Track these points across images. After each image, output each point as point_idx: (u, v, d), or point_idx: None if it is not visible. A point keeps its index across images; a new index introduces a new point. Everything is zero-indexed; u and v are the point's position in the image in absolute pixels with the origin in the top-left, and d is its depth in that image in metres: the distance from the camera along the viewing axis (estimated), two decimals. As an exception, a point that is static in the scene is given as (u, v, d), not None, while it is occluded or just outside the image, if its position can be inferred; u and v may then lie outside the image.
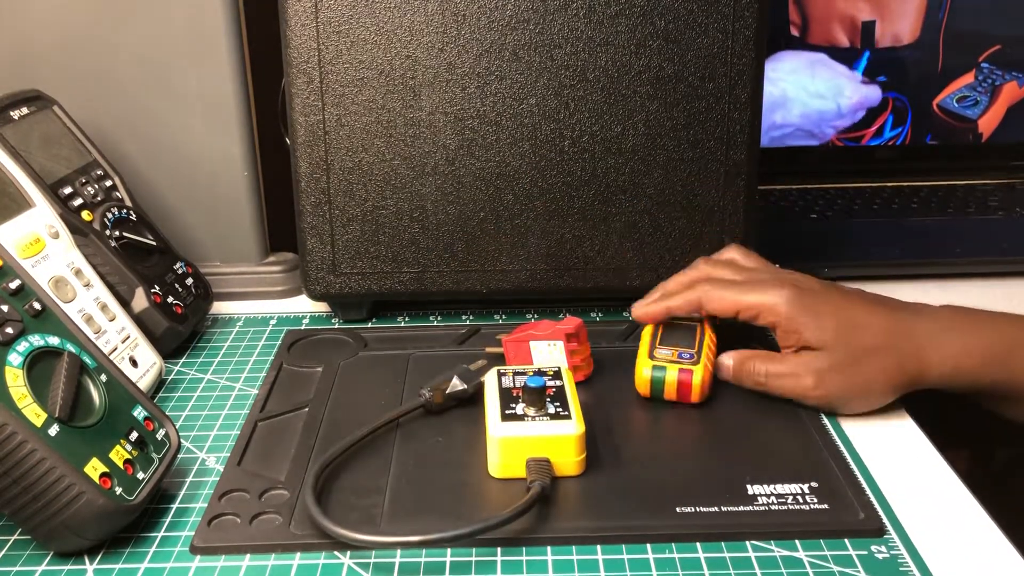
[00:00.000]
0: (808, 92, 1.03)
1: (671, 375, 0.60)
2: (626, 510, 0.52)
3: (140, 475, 0.50)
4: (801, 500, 0.52)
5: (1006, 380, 0.58)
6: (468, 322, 0.76)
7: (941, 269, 0.84)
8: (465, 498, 0.53)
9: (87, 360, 0.52)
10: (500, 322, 0.76)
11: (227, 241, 0.81)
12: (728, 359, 0.62)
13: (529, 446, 0.53)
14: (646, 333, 0.65)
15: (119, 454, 0.50)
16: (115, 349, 0.63)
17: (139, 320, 0.68)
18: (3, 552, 0.50)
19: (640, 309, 0.65)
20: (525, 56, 0.69)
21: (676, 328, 0.64)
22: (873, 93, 1.02)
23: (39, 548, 0.50)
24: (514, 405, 0.56)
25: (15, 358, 0.48)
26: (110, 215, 0.70)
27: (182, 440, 0.58)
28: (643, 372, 0.61)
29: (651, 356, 0.62)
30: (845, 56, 1.02)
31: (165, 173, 0.78)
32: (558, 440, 0.54)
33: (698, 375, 0.60)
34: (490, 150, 0.71)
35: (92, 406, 0.51)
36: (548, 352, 0.64)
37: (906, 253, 0.86)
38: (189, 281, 0.74)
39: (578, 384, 0.63)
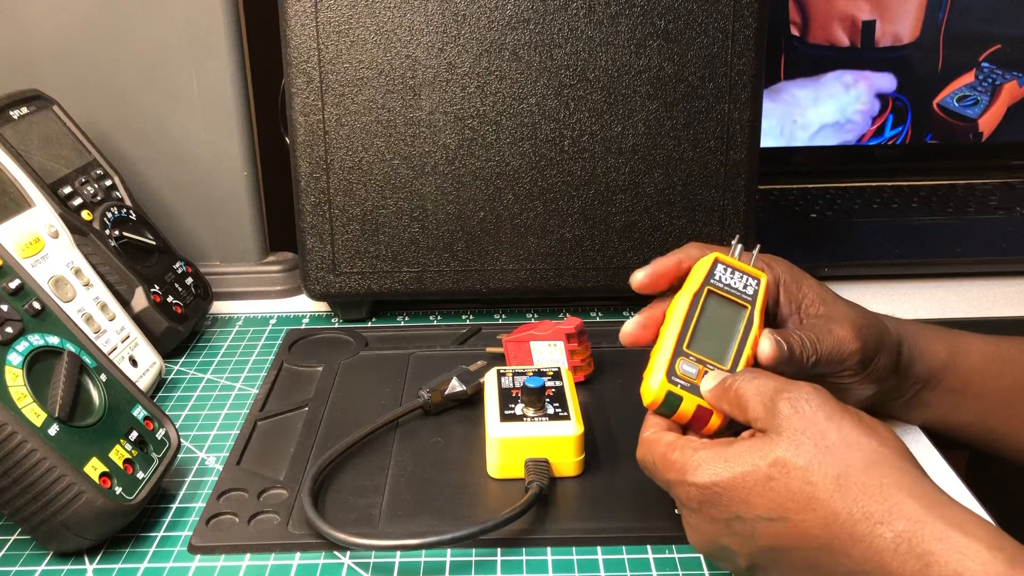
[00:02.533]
0: (828, 92, 1.03)
1: (687, 406, 0.47)
2: (624, 511, 0.52)
3: (140, 475, 0.51)
4: (800, 500, 0.52)
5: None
6: (468, 322, 0.76)
7: (941, 269, 0.84)
8: (463, 498, 0.53)
9: (87, 360, 0.52)
10: (500, 322, 0.76)
11: (227, 241, 0.81)
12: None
13: (528, 446, 0.53)
14: (678, 308, 0.50)
15: (119, 454, 0.50)
16: (115, 349, 0.63)
17: (139, 320, 0.68)
18: (3, 552, 0.50)
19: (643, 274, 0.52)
20: (525, 56, 0.69)
21: (719, 313, 0.50)
22: (883, 80, 1.02)
23: (39, 548, 0.50)
24: (513, 405, 0.56)
25: (15, 358, 0.48)
26: (110, 214, 0.70)
27: (182, 440, 0.58)
28: (651, 387, 0.48)
29: (671, 372, 0.47)
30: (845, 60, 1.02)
31: (165, 173, 0.78)
32: (557, 441, 0.54)
33: (717, 418, 0.47)
34: (490, 150, 0.71)
35: (92, 406, 0.51)
36: (548, 352, 0.64)
37: (906, 253, 0.86)
38: (189, 281, 0.74)
39: (578, 384, 0.63)
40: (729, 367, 0.48)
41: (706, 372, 0.47)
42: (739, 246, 0.52)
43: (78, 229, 0.67)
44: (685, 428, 0.48)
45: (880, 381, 0.54)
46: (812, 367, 0.50)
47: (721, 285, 0.50)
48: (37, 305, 0.52)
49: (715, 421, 0.47)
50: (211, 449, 0.59)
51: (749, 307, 0.50)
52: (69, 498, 0.47)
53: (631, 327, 0.52)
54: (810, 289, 0.54)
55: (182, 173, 0.78)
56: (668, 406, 0.47)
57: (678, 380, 0.47)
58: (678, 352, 0.48)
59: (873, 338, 0.53)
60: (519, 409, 0.55)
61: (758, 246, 0.53)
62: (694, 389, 0.47)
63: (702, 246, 0.54)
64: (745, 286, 0.51)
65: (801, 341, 0.50)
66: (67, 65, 0.75)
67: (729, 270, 0.51)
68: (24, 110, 0.69)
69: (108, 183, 0.72)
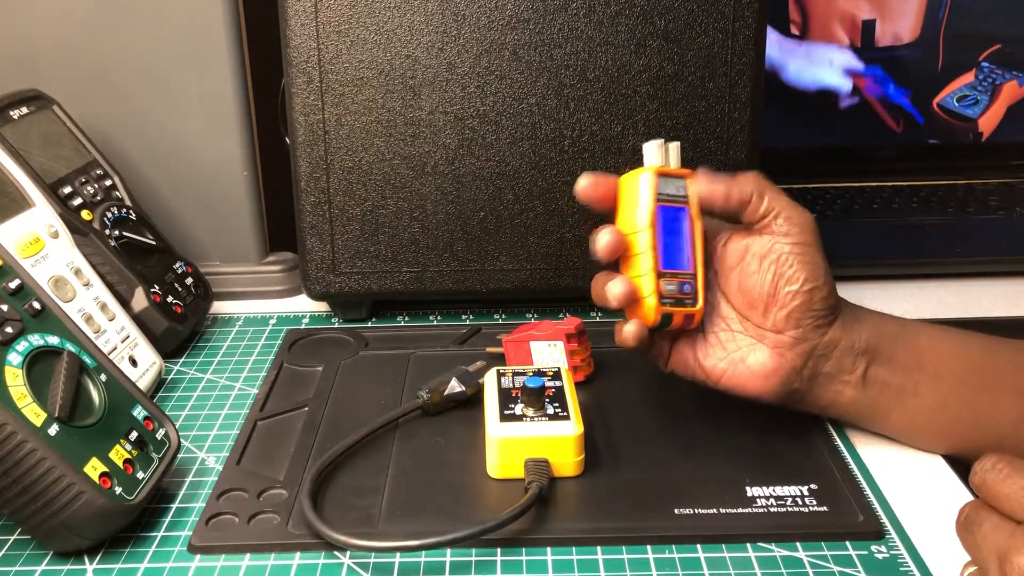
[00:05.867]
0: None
1: (676, 319, 0.55)
2: (624, 511, 0.52)
3: (140, 475, 0.51)
4: (800, 502, 0.52)
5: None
6: (468, 322, 0.76)
7: (941, 269, 0.84)
8: (463, 498, 0.53)
9: (87, 360, 0.52)
10: (500, 322, 0.76)
11: (227, 241, 0.81)
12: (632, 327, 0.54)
13: (527, 447, 0.53)
14: (642, 231, 0.54)
15: (119, 454, 0.50)
16: (115, 349, 0.63)
17: (139, 320, 0.68)
18: (3, 552, 0.50)
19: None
20: (525, 55, 0.69)
21: (671, 224, 0.55)
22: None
23: (39, 548, 0.50)
24: (513, 405, 0.56)
25: (15, 357, 0.48)
26: (110, 215, 0.70)
27: (182, 440, 0.58)
28: (649, 315, 0.54)
29: (661, 296, 0.54)
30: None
31: (165, 173, 0.78)
32: (557, 441, 0.54)
33: (699, 315, 0.55)
34: (490, 150, 0.71)
35: (92, 406, 0.51)
36: (548, 352, 0.64)
37: (906, 253, 0.86)
38: (189, 281, 0.74)
39: (578, 384, 0.63)
40: (691, 270, 0.55)
41: (680, 283, 0.55)
42: (666, 149, 0.56)
43: (78, 229, 0.67)
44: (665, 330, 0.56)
45: (827, 313, 0.54)
46: (760, 201, 0.54)
47: (667, 197, 0.55)
48: (37, 305, 0.52)
49: (698, 319, 0.55)
50: (211, 449, 0.59)
51: (687, 207, 0.55)
52: (69, 498, 0.47)
53: (588, 183, 0.56)
54: (779, 197, 0.55)
55: (182, 173, 0.78)
56: (663, 323, 0.55)
57: (666, 300, 0.54)
58: (659, 275, 0.54)
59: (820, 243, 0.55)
60: (519, 409, 0.55)
61: (677, 142, 0.56)
62: (679, 302, 0.55)
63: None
64: (678, 188, 0.56)
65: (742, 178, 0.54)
66: (67, 65, 0.75)
67: (666, 179, 0.55)
68: (24, 110, 0.69)
69: (108, 183, 0.72)
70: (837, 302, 0.55)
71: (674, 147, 0.56)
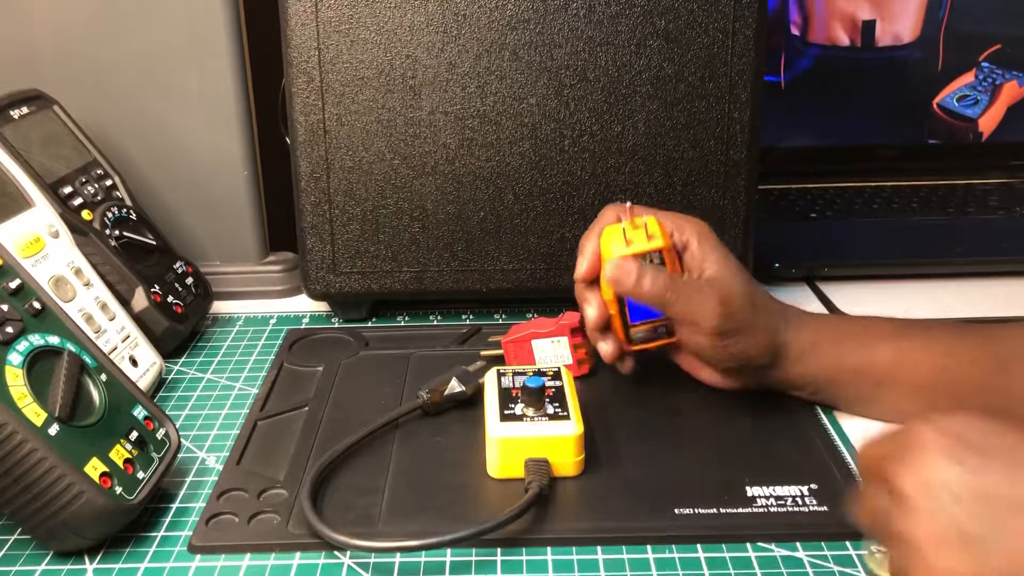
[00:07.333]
0: None
1: (652, 348, 0.62)
2: (625, 511, 0.52)
3: (140, 475, 0.51)
4: (800, 502, 0.52)
5: (863, 365, 0.59)
6: (468, 322, 0.76)
7: (941, 269, 0.84)
8: (463, 498, 0.53)
9: (87, 359, 0.52)
10: (500, 322, 0.76)
11: (227, 241, 0.81)
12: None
13: (528, 446, 0.53)
14: (610, 303, 0.60)
15: (119, 453, 0.50)
16: (115, 348, 0.63)
17: (139, 319, 0.68)
18: (3, 552, 0.50)
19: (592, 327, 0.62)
20: (525, 56, 0.69)
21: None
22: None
23: (39, 547, 0.50)
24: (513, 405, 0.56)
25: (15, 357, 0.48)
26: (110, 214, 0.70)
27: (182, 439, 0.58)
28: (622, 362, 0.62)
29: (632, 340, 0.61)
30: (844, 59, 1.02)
31: (165, 173, 0.78)
32: (557, 440, 0.54)
33: (676, 342, 0.62)
34: (490, 150, 0.71)
35: (92, 405, 0.51)
36: (552, 349, 0.64)
37: (906, 253, 0.86)
38: (189, 280, 0.74)
39: (578, 381, 0.63)
40: (663, 319, 0.60)
41: (656, 327, 0.61)
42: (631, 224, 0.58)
43: (78, 229, 0.67)
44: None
45: (739, 359, 0.58)
46: (666, 308, 0.57)
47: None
48: (37, 305, 0.52)
49: (676, 343, 0.61)
50: (211, 449, 0.59)
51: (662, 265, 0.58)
52: (69, 498, 0.47)
53: (585, 270, 0.60)
54: (713, 255, 0.59)
55: (182, 173, 0.78)
56: (642, 351, 0.62)
57: (639, 340, 0.61)
58: (629, 326, 0.61)
59: (739, 316, 0.57)
60: (519, 409, 0.55)
61: (645, 217, 0.59)
62: (654, 339, 0.61)
63: (615, 208, 0.61)
64: (651, 256, 0.58)
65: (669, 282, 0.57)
66: (67, 65, 0.75)
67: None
68: (24, 110, 0.69)
69: (108, 183, 0.72)
70: (777, 349, 0.59)
71: (641, 221, 0.58)
